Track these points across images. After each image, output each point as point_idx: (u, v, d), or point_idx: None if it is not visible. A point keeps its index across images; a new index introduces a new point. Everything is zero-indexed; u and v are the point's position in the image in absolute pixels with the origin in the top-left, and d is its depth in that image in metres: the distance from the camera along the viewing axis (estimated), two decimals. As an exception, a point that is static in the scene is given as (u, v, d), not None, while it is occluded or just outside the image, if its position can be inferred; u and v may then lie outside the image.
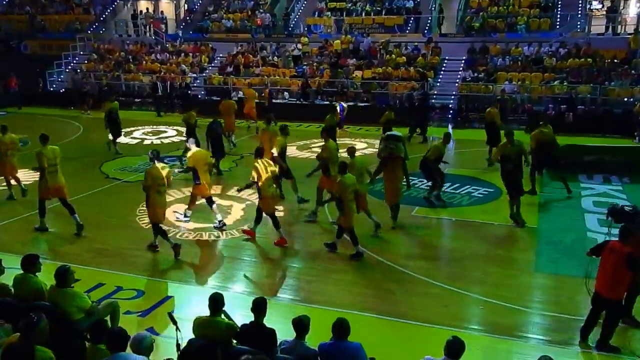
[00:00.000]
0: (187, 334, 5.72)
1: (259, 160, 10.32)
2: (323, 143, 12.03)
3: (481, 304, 8.33)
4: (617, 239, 6.95)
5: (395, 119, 17.78)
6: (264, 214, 10.54)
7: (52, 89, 30.68)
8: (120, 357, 4.98)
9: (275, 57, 28.54)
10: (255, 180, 10.26)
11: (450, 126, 22.51)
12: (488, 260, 9.86)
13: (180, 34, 32.72)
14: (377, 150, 13.78)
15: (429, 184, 12.93)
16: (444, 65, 26.20)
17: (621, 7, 26.46)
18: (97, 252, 10.27)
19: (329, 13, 30.58)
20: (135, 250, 10.39)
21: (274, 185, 10.48)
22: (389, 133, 12.04)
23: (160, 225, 10.11)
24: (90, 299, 6.74)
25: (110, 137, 17.65)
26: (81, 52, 32.64)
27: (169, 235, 10.23)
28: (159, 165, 9.93)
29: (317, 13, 31.07)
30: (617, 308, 7.07)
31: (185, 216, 11.71)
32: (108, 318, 6.58)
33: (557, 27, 26.36)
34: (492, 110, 16.47)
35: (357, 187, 9.84)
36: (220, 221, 11.37)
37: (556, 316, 8.00)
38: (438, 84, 25.14)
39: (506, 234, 11.22)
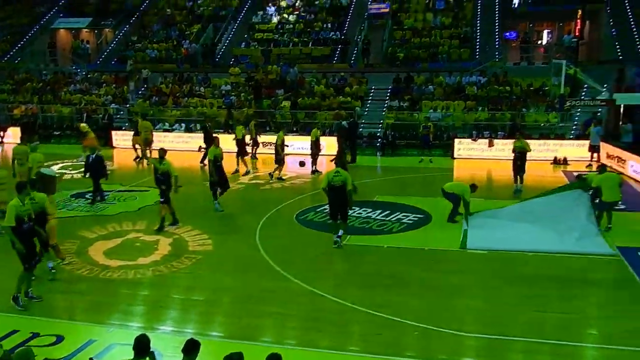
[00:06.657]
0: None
1: None
2: None
3: (415, 329, 8.24)
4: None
5: None
6: None
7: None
8: None
9: (202, 88, 28.17)
10: None
11: (378, 154, 22.83)
12: (421, 286, 9.85)
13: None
14: None
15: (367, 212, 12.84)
16: (371, 94, 26.68)
17: (534, 38, 27.96)
18: (9, 297, 9.50)
19: (256, 44, 30.62)
20: (54, 293, 9.72)
21: None
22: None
23: None
24: (3, 348, 6.12)
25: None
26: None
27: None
28: None
29: (244, 44, 31.06)
30: None
31: None
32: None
33: (477, 57, 27.51)
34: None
35: None
36: None
37: (490, 338, 8.01)
38: (365, 113, 25.52)
39: (438, 258, 11.22)
